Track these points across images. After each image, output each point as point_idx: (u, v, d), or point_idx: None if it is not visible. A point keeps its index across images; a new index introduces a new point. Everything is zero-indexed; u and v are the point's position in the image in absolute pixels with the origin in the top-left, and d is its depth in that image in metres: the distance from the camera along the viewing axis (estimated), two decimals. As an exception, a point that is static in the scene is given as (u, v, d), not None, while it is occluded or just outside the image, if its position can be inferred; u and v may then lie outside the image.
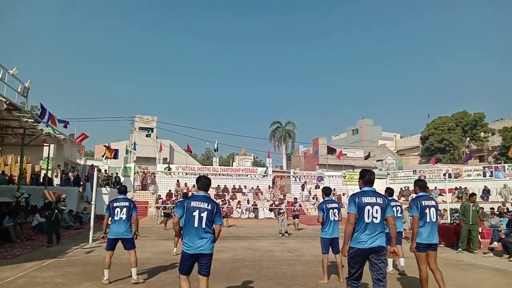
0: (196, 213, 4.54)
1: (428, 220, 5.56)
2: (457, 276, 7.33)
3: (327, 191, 7.47)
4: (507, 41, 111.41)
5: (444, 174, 27.54)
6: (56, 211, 11.58)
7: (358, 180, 4.75)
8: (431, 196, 6.00)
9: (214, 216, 4.66)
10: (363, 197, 4.40)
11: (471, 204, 11.31)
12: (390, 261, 7.75)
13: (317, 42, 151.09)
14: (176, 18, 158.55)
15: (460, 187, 25.54)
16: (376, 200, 4.39)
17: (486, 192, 24.31)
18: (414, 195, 6.11)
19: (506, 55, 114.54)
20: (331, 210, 6.93)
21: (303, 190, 29.83)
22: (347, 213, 4.44)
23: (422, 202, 5.62)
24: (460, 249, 11.20)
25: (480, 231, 11.99)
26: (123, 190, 7.21)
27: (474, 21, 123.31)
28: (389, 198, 8.14)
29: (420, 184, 5.92)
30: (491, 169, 26.66)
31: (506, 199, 22.43)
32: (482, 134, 47.45)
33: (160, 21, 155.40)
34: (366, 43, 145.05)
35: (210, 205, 4.63)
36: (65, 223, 16.07)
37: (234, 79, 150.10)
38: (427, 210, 5.58)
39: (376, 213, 4.33)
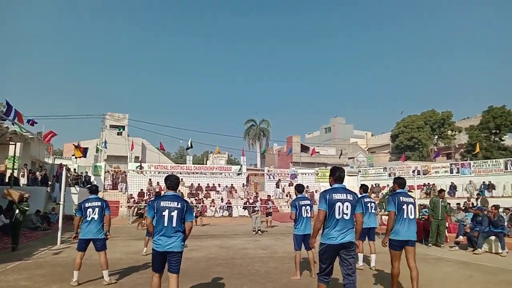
0: (166, 213, 4.63)
1: (405, 216, 5.53)
2: (425, 270, 7.55)
3: (299, 188, 7.49)
4: (473, 41, 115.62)
5: (413, 171, 28.31)
6: (17, 211, 11.07)
7: (328, 177, 4.84)
8: (409, 193, 6.01)
9: (185, 214, 4.74)
10: (334, 194, 4.47)
11: (440, 200, 11.69)
12: (360, 256, 7.86)
13: (294, 42, 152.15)
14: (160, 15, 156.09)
15: (428, 183, 26.31)
16: (347, 197, 4.47)
17: (453, 188, 25.15)
18: (386, 190, 6.14)
19: (468, 56, 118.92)
20: (303, 207, 6.96)
21: (278, 187, 30.03)
22: (318, 209, 4.49)
23: (400, 198, 5.61)
24: (430, 244, 11.55)
25: (447, 225, 12.40)
26: (94, 189, 7.04)
27: (448, 21, 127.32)
28: (363, 194, 8.31)
29: (399, 182, 5.90)
30: (457, 166, 27.58)
31: (471, 194, 23.28)
32: (449, 132, 49.17)
33: (138, 14, 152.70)
34: (339, 44, 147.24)
35: (180, 203, 4.72)
36: (32, 224, 15.57)
37: (208, 77, 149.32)
38: (404, 207, 5.56)
39: (347, 209, 4.41)
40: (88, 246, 6.58)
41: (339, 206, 4.39)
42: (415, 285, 5.40)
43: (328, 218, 4.41)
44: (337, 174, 4.65)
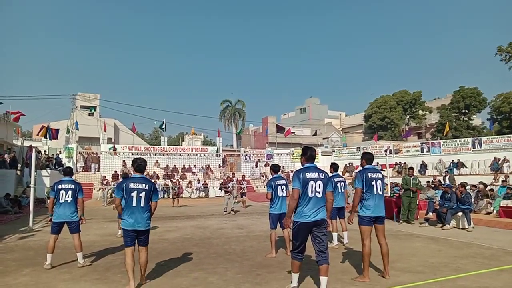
0: (134, 194, 4.98)
1: (375, 192, 5.43)
2: (395, 246, 7.80)
3: (275, 168, 7.51)
4: (443, 23, 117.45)
5: (385, 150, 28.98)
6: None
7: (300, 157, 4.93)
8: (377, 168, 5.92)
9: (151, 195, 5.13)
10: (306, 173, 4.54)
11: (411, 177, 12.02)
12: (335, 235, 8.02)
13: (267, 23, 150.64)
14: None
15: (400, 162, 27.02)
16: (319, 176, 4.57)
17: (424, 166, 25.94)
18: (359, 168, 6.03)
19: (441, 39, 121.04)
20: (279, 187, 7.02)
21: (256, 167, 30.27)
22: (292, 188, 4.57)
23: (369, 174, 5.49)
24: (401, 221, 11.90)
25: (417, 203, 12.80)
26: (68, 171, 6.90)
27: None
28: (334, 173, 8.33)
29: (367, 157, 5.75)
30: (428, 145, 28.38)
31: (441, 173, 24.08)
32: (420, 112, 50.32)
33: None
34: (314, 25, 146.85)
35: (147, 185, 5.08)
36: (1, 208, 15.14)
37: (183, 56, 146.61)
38: (373, 183, 5.44)
39: (319, 188, 4.52)
40: (63, 229, 6.48)
41: (311, 185, 4.48)
42: (386, 261, 5.43)
43: (301, 196, 4.49)
44: (308, 154, 4.73)
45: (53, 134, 25.77)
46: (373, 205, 5.42)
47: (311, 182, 4.49)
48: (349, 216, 5.65)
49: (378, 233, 5.51)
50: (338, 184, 8.13)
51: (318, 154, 29.45)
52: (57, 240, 6.46)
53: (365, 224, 5.46)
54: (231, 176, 20.24)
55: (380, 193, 5.50)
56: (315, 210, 4.47)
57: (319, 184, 4.52)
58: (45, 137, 26.02)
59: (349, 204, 15.54)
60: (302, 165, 4.77)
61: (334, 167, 8.59)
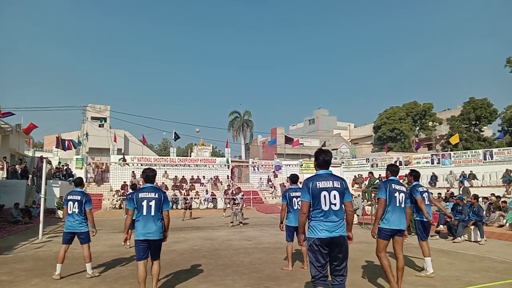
0: (144, 203, 5.00)
1: (397, 204, 5.30)
2: (406, 259, 7.68)
3: (293, 178, 7.26)
4: (452, 36, 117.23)
5: (395, 162, 28.74)
6: None
7: (313, 162, 4.21)
8: (401, 182, 5.73)
9: (162, 204, 5.10)
10: (317, 182, 3.88)
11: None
12: (428, 261, 6.72)
13: (276, 33, 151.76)
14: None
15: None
16: (333, 184, 3.87)
17: (434, 178, 25.64)
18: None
19: (451, 50, 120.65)
20: (294, 199, 6.72)
21: (270, 181, 30.27)
22: (300, 201, 4.05)
23: (392, 185, 5.37)
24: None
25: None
26: (77, 182, 6.95)
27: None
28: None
29: (392, 169, 5.65)
30: (438, 157, 28.10)
31: (451, 184, 23.77)
32: (430, 124, 49.96)
33: (121, 3, 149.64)
34: (323, 36, 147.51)
35: (157, 194, 5.09)
36: (12, 218, 15.26)
37: (192, 66, 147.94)
38: (396, 194, 5.32)
39: (334, 199, 3.83)
40: (74, 239, 6.53)
41: (324, 196, 3.81)
42: (400, 275, 5.31)
43: (313, 209, 3.86)
44: (321, 159, 4.02)
45: (69, 145, 26.50)
46: (393, 218, 5.27)
47: (324, 193, 3.81)
48: (373, 228, 5.47)
49: (396, 245, 5.39)
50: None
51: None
52: (67, 250, 6.49)
53: (383, 237, 5.33)
54: (239, 187, 19.82)
55: (402, 206, 5.37)
56: (332, 225, 3.79)
57: (334, 195, 3.83)
58: (63, 149, 26.55)
59: (358, 216, 15.43)
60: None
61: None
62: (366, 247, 8.87)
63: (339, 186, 3.88)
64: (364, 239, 10.03)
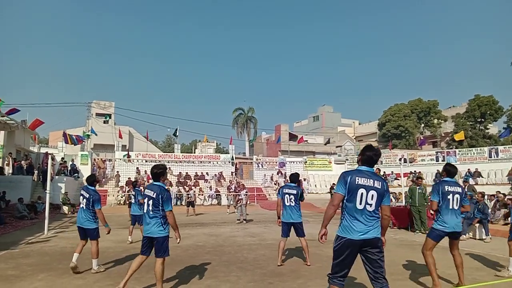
0: (145, 200, 5.11)
1: (450, 207, 5.20)
2: (411, 256, 7.68)
3: (291, 177, 7.35)
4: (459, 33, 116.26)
5: (400, 159, 28.67)
6: None
7: (357, 157, 4.00)
8: (457, 182, 5.57)
9: (162, 204, 4.99)
10: (357, 177, 3.64)
11: (417, 187, 11.79)
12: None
13: (282, 31, 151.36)
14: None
15: (415, 171, 26.67)
16: (373, 184, 3.64)
17: (439, 175, 25.54)
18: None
19: (456, 47, 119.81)
20: (286, 196, 6.91)
21: (272, 180, 30.31)
22: (333, 192, 3.81)
23: (445, 187, 5.25)
24: (417, 231, 11.62)
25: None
26: (88, 179, 7.00)
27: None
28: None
29: (447, 169, 5.46)
30: (443, 154, 28.04)
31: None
32: (435, 121, 49.74)
33: (126, 2, 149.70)
34: (328, 33, 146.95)
35: (154, 192, 5.06)
36: (18, 213, 15.39)
37: (197, 63, 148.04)
38: (450, 196, 5.20)
39: (371, 199, 3.62)
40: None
41: (361, 193, 3.59)
42: (461, 271, 5.35)
43: (347, 206, 3.66)
44: (366, 155, 3.77)
45: (78, 139, 28.00)
46: (448, 220, 5.19)
47: (361, 190, 3.60)
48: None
49: (453, 246, 5.40)
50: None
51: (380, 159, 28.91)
52: (85, 245, 6.61)
53: (433, 237, 5.29)
54: (242, 184, 19.83)
55: (456, 207, 5.24)
56: (366, 226, 3.58)
57: (372, 195, 3.61)
58: (74, 143, 27.52)
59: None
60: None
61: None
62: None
63: (379, 187, 3.66)
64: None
